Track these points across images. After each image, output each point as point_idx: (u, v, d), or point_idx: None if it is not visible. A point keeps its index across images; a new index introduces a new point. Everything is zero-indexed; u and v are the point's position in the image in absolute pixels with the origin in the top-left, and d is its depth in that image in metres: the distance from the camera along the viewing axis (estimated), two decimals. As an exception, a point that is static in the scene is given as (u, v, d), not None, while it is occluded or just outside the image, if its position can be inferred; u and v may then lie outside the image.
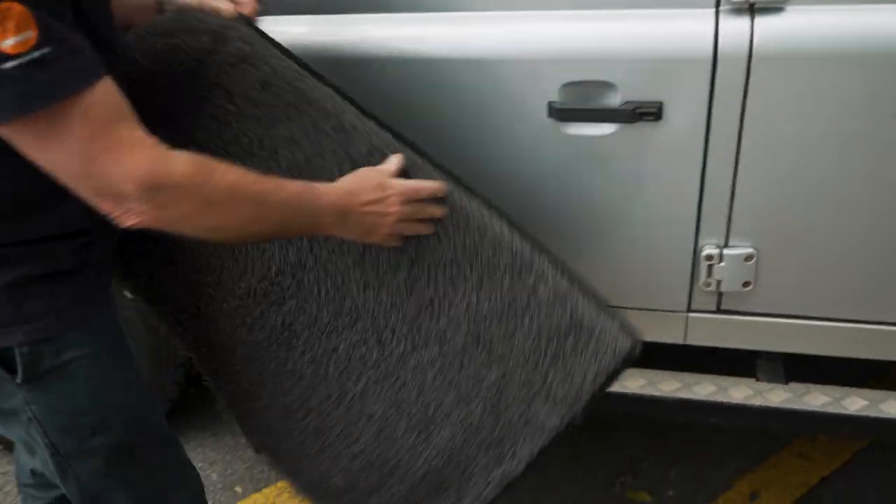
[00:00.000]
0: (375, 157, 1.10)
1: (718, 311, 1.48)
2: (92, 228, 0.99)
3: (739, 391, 1.52)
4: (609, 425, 2.23)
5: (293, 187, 1.00)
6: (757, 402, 1.49)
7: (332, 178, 1.07)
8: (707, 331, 1.51)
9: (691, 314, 1.50)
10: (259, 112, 1.13)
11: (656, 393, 1.54)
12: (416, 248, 1.12)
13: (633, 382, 1.57)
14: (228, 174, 0.92)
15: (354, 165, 1.09)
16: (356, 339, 1.19)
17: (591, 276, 1.50)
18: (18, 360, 0.96)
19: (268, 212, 0.97)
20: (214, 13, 1.13)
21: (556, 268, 1.07)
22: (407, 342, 1.15)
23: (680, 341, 1.53)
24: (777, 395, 1.50)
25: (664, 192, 1.38)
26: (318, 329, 1.22)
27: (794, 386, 1.52)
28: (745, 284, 1.42)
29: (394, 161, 1.08)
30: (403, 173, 1.08)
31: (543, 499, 2.01)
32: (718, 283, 1.43)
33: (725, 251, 1.40)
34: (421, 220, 1.08)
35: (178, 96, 1.15)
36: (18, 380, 0.98)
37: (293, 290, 1.22)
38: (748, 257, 1.39)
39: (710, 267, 1.42)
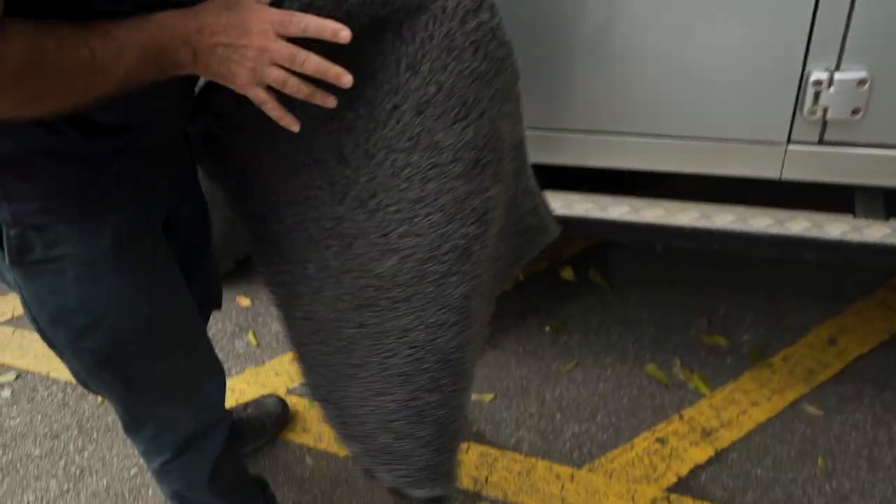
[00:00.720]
0: None
1: (820, 142, 1.41)
2: (113, 123, 0.91)
3: (836, 227, 1.46)
4: (686, 270, 2.22)
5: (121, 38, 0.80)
6: (854, 237, 1.44)
7: None
8: (806, 164, 1.44)
9: (791, 146, 1.43)
10: None
11: (747, 228, 1.50)
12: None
13: (722, 218, 1.53)
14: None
15: None
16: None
17: (684, 105, 1.45)
18: (6, 241, 0.93)
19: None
20: None
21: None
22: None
23: (776, 176, 1.47)
24: (876, 231, 1.44)
25: (772, 9, 1.28)
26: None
27: (894, 222, 1.46)
28: (854, 112, 1.34)
29: None
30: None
31: (626, 334, 2.03)
32: (825, 110, 1.35)
33: (836, 75, 1.31)
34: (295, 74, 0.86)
35: None
36: (6, 260, 0.95)
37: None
38: (861, 82, 1.30)
39: (817, 93, 1.33)
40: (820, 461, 1.67)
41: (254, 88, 0.87)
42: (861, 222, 1.47)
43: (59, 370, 2.14)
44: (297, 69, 0.85)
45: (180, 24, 0.83)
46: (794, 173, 1.46)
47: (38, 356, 2.21)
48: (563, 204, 1.61)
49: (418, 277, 1.07)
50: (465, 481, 1.72)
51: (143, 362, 1.12)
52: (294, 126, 0.91)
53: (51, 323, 1.03)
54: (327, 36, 0.83)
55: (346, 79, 0.87)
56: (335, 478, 1.78)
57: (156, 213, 1.08)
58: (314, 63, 0.85)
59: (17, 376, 2.17)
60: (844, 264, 2.12)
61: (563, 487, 1.69)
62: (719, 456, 1.71)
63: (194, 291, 1.24)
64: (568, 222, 1.60)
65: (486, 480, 1.72)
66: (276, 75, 0.85)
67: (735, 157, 1.48)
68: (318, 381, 1.33)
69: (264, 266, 1.25)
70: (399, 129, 0.98)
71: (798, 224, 1.49)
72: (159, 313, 1.09)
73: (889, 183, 1.43)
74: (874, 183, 1.45)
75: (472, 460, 1.77)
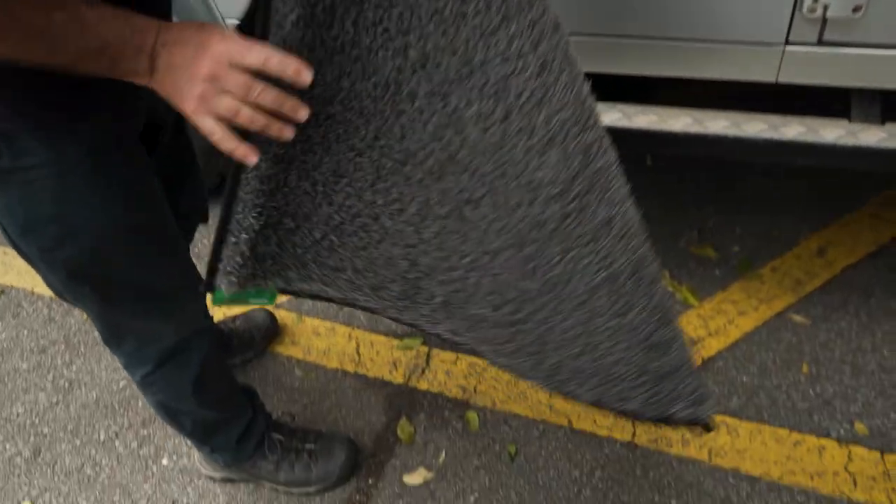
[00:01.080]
0: None
1: (819, 42, 1.36)
2: None
3: (831, 131, 1.44)
4: (676, 184, 2.20)
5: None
6: (849, 142, 1.41)
7: None
8: (804, 66, 1.40)
9: (788, 47, 1.38)
10: None
11: (741, 134, 1.47)
12: None
13: (716, 124, 1.49)
14: None
15: None
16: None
17: (676, 5, 1.40)
18: None
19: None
20: None
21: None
22: None
23: (772, 79, 1.43)
24: (871, 135, 1.42)
25: None
26: None
27: (890, 126, 1.43)
28: (856, 10, 1.29)
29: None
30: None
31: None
32: (825, 7, 1.30)
33: (839, -31, 1.26)
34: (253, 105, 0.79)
35: None
36: None
37: None
38: (864, -24, 1.25)
39: (817, -10, 1.29)
40: (805, 367, 1.69)
41: (202, 117, 0.79)
42: (857, 126, 1.44)
43: (44, 286, 2.12)
44: (252, 101, 0.77)
45: (148, 32, 0.78)
46: (790, 76, 1.42)
47: (21, 272, 2.18)
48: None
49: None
50: (453, 391, 1.74)
51: (118, 274, 1.10)
52: (251, 158, 0.82)
53: (21, 234, 1.00)
54: (288, 74, 0.76)
55: (301, 113, 0.80)
56: (324, 389, 1.79)
57: (130, 121, 1.04)
58: (270, 95, 0.77)
59: (1, 292, 2.15)
60: (838, 172, 2.12)
61: (550, 395, 1.70)
62: (705, 364, 1.73)
63: (179, 203, 1.20)
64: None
65: (475, 389, 1.74)
66: (226, 105, 0.77)
67: (730, 59, 1.43)
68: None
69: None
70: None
71: (792, 129, 1.46)
72: (135, 224, 1.07)
73: (889, 85, 1.40)
74: (873, 85, 1.42)
75: (461, 370, 1.78)
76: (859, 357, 1.70)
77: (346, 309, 1.96)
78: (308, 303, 1.98)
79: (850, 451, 1.54)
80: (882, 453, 1.53)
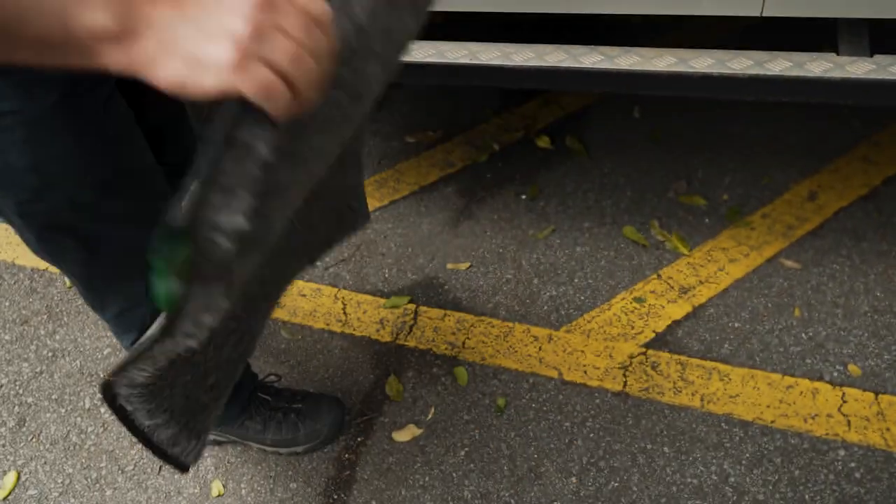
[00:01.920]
0: None
1: (804, -29, 1.33)
2: None
3: (818, 65, 1.40)
4: (664, 134, 2.16)
5: None
6: (837, 74, 1.37)
7: None
8: (788, -2, 1.36)
9: (773, -22, 1.34)
10: None
11: (726, 71, 1.43)
12: None
13: (700, 62, 1.45)
14: None
15: None
16: None
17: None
18: None
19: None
20: None
21: None
22: None
23: (756, 13, 1.39)
24: (859, 68, 1.38)
25: None
26: None
27: (879, 58, 1.39)
28: (841, -66, 1.25)
29: None
30: None
31: (603, 198, 1.99)
32: (809, -67, 1.26)
33: None
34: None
35: None
36: None
37: None
38: None
39: (802, -86, 1.24)
40: (797, 311, 1.67)
41: (253, 69, 0.52)
42: (844, 59, 1.40)
43: (25, 257, 2.08)
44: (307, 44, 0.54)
45: None
46: (776, 9, 1.38)
47: (0, 245, 2.15)
48: (535, 55, 1.53)
49: None
50: (441, 347, 1.71)
51: (98, 229, 1.06)
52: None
53: None
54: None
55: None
56: (310, 350, 1.77)
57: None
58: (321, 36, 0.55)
59: (-19, 265, 2.11)
60: (827, 116, 2.08)
61: (540, 348, 1.68)
62: (696, 312, 1.70)
63: (165, 154, 1.17)
64: (539, 75, 1.53)
65: (463, 345, 1.71)
66: (284, 47, 0.52)
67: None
68: None
69: None
70: None
71: (779, 64, 1.42)
72: (115, 174, 1.02)
73: (876, 14, 1.36)
74: (860, 15, 1.38)
75: (448, 326, 1.75)
76: (851, 299, 1.68)
77: (332, 270, 1.94)
78: (293, 265, 1.95)
79: (843, 393, 1.52)
80: (876, 394, 1.51)
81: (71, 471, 1.61)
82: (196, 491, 1.55)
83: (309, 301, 1.87)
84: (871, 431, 1.46)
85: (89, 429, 1.69)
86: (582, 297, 1.78)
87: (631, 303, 1.74)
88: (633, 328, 1.69)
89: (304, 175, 0.74)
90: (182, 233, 0.57)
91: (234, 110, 0.54)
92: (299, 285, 1.91)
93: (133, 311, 1.21)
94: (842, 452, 1.44)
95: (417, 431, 1.58)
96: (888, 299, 1.67)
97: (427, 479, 1.51)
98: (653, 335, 1.67)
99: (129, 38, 0.51)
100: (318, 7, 0.54)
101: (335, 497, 1.51)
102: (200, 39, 0.51)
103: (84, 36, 0.51)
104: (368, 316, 1.82)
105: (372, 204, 2.09)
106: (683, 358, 1.62)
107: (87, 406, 1.73)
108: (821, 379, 1.55)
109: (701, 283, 1.76)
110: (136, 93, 1.06)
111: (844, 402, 1.50)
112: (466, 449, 1.54)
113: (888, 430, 1.46)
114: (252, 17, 0.50)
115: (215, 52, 0.50)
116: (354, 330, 1.79)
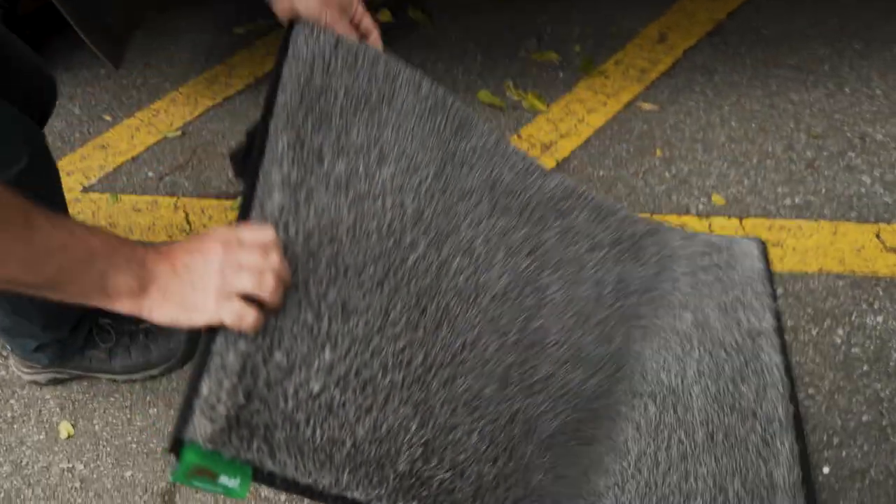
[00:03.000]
0: None
1: None
2: None
3: None
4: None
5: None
6: None
7: None
8: None
9: None
10: None
11: None
12: None
13: None
14: None
15: None
16: None
17: None
18: None
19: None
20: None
21: None
22: None
23: None
24: None
25: None
26: None
27: None
28: None
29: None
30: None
31: (453, 66, 1.87)
32: None
33: None
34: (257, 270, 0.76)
35: None
36: None
37: None
38: None
39: None
40: (658, 152, 1.64)
41: (227, 305, 0.73)
42: None
43: None
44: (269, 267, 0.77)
45: (134, 244, 0.72)
46: None
47: None
48: None
49: None
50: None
51: None
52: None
53: None
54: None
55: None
56: (156, 266, 1.58)
57: None
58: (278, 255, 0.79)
59: None
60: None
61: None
62: (560, 166, 1.64)
63: (11, 91, 0.95)
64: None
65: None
66: (246, 280, 0.74)
67: None
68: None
69: None
70: None
71: None
72: None
73: None
74: None
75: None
76: (709, 132, 1.66)
77: (167, 179, 1.73)
78: (122, 179, 1.73)
79: (710, 223, 1.51)
80: (740, 219, 1.51)
81: None
82: (42, 437, 1.37)
83: (145, 215, 1.67)
84: (740, 255, 1.46)
85: None
86: (443, 169, 1.67)
87: (494, 167, 1.66)
88: (499, 192, 1.61)
89: None
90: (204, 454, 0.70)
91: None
92: (132, 199, 1.70)
93: None
94: (715, 280, 1.43)
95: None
96: (742, 127, 1.66)
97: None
98: (520, 196, 1.60)
99: (143, 291, 0.71)
100: (266, 235, 0.77)
101: (203, 415, 1.37)
102: (189, 292, 0.72)
103: (113, 294, 0.70)
104: (215, 222, 1.65)
105: (204, 103, 1.88)
106: (553, 213, 1.56)
107: None
108: (688, 213, 1.53)
109: (562, 136, 1.69)
110: None
111: (712, 230, 1.50)
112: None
113: (756, 251, 1.46)
114: (221, 269, 0.72)
115: (202, 301, 0.72)
116: (201, 238, 1.62)
